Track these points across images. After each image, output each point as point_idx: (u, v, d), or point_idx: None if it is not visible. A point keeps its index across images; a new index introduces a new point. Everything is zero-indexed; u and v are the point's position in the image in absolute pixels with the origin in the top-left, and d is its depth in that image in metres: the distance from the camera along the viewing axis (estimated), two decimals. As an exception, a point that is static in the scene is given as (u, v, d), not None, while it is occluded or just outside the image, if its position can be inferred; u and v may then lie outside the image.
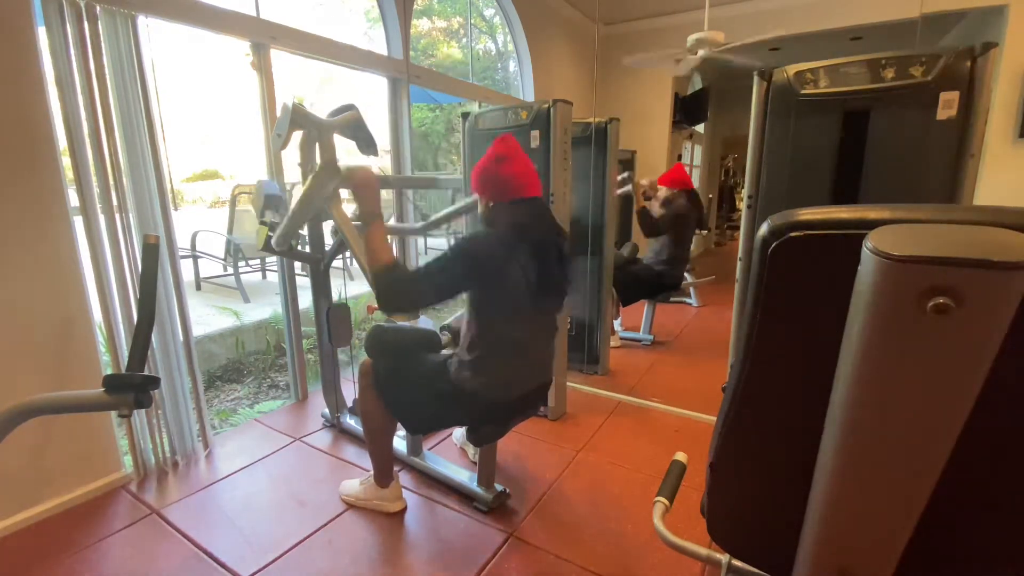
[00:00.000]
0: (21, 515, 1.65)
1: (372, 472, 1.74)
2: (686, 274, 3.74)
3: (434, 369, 1.53)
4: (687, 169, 5.44)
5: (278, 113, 1.98)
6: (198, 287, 4.57)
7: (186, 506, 1.77)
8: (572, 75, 4.76)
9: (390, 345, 1.65)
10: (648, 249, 3.46)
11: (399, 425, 1.65)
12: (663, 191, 3.35)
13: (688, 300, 4.29)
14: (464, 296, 1.43)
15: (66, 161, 1.67)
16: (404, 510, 1.73)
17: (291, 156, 2.06)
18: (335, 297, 2.40)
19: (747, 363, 0.66)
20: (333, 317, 2.22)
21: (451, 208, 2.21)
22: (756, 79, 1.78)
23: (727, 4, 4.07)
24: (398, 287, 1.31)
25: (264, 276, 5.13)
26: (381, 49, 3.04)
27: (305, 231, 2.17)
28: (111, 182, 1.72)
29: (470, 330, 1.45)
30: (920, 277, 0.42)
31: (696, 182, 5.68)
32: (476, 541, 1.59)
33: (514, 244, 1.34)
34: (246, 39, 2.22)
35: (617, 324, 3.57)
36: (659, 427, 2.32)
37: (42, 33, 1.57)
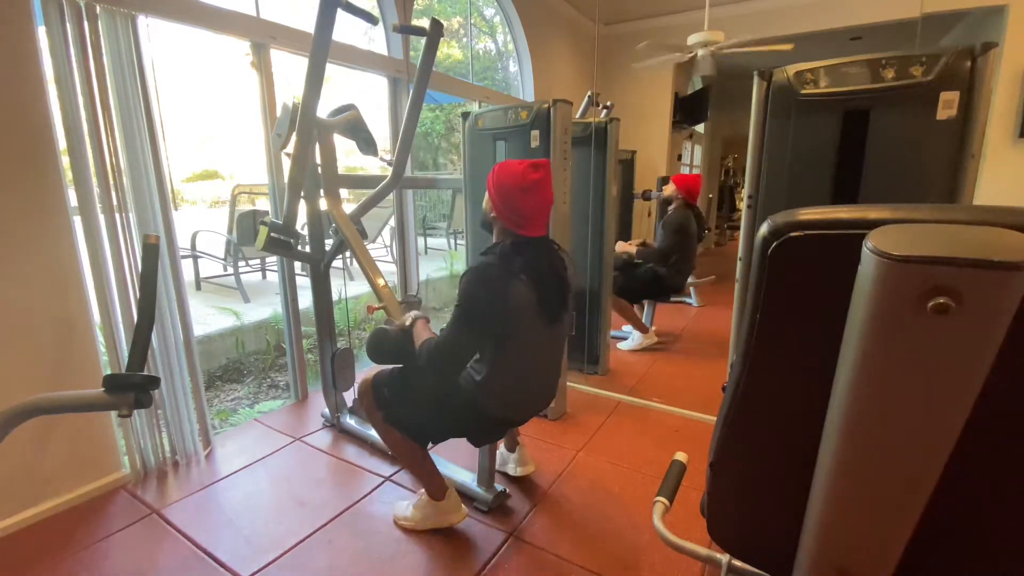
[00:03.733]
0: (21, 515, 1.65)
1: (423, 490, 1.63)
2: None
3: (440, 383, 1.50)
4: (687, 170, 5.45)
5: (278, 113, 1.98)
6: (198, 287, 4.57)
7: (186, 506, 1.76)
8: (572, 75, 4.76)
9: (391, 349, 1.61)
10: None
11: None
12: (670, 188, 3.33)
13: (688, 300, 4.29)
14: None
15: (66, 161, 1.66)
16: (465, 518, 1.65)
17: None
18: (335, 297, 2.39)
19: (747, 363, 0.66)
20: (338, 361, 2.22)
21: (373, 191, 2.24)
22: (756, 79, 1.78)
23: (727, 4, 4.07)
24: (437, 353, 1.39)
25: (264, 276, 5.13)
26: (381, 49, 3.04)
27: (305, 231, 2.17)
28: (111, 182, 1.72)
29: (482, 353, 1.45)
30: (920, 277, 0.42)
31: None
32: (476, 541, 1.59)
33: (515, 273, 1.35)
34: (246, 39, 2.22)
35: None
36: (659, 427, 2.32)
37: (42, 33, 1.57)
